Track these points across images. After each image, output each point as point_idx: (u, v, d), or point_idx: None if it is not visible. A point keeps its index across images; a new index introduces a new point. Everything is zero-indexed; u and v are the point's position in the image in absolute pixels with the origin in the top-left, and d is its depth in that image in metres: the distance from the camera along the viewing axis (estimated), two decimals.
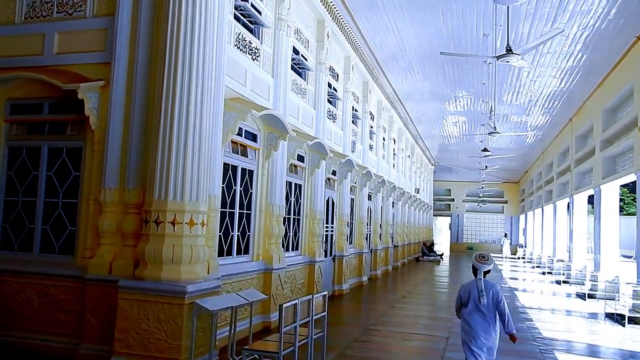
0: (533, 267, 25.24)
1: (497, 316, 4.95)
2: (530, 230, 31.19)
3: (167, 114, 5.70)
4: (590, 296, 13.60)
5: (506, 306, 4.97)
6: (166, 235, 5.53)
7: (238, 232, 7.74)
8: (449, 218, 40.54)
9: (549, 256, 22.27)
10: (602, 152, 14.19)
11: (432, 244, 31.62)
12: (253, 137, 8.14)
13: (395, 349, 7.53)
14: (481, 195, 36.10)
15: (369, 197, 16.12)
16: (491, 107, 13.04)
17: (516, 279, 19.27)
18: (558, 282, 17.62)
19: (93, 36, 6.47)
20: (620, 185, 16.18)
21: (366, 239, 15.41)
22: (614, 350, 8.03)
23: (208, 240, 6.30)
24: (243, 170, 7.87)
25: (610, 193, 14.35)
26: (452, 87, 16.29)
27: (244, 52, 7.71)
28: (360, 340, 7.77)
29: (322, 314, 6.00)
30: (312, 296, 5.78)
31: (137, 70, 6.12)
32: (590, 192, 15.98)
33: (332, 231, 12.23)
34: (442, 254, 29.87)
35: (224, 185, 7.31)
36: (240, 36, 7.60)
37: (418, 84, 16.52)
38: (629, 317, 9.99)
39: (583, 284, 14.84)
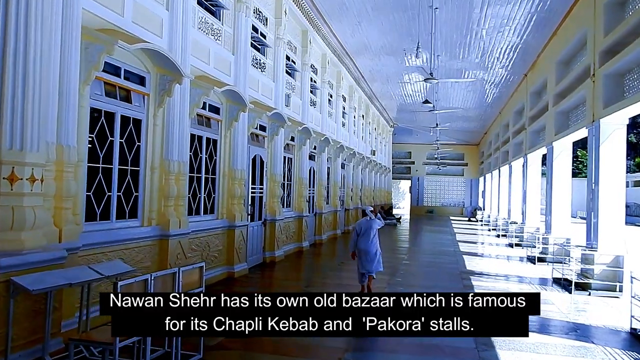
0: (489, 230, 24.89)
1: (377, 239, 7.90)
2: (488, 193, 30.92)
3: None
4: (541, 260, 13.01)
5: (377, 231, 7.97)
6: None
7: (119, 192, 6.50)
8: (410, 181, 40.06)
9: (504, 218, 21.85)
10: (555, 107, 13.39)
11: (391, 208, 31.09)
12: (140, 80, 6.80)
13: None
14: (436, 156, 35.41)
15: (311, 157, 14.98)
16: (417, 43, 11.84)
17: (470, 242, 18.70)
18: (511, 245, 17.17)
19: None
20: (578, 148, 15.56)
21: (308, 202, 14.36)
22: (556, 323, 7.08)
23: (60, 201, 5.07)
24: (125, 118, 6.55)
25: (562, 151, 13.66)
26: (402, 40, 15.03)
27: None
28: None
29: (198, 291, 4.92)
30: (179, 269, 4.67)
31: None
32: (544, 150, 15.31)
33: (261, 193, 11.07)
34: (400, 218, 29.37)
35: (94, 136, 6.01)
36: None
37: (367, 36, 15.19)
38: (575, 282, 9.25)
39: (535, 247, 14.29)
